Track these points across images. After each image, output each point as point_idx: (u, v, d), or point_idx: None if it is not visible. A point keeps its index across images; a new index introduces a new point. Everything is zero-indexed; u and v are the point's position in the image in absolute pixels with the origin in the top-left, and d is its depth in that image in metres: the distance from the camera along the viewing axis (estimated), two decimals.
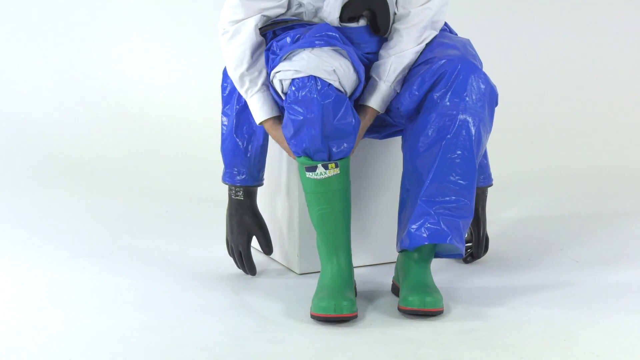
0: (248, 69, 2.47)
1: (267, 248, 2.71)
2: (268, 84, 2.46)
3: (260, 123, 2.48)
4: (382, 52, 2.50)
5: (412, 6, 2.47)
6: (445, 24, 2.64)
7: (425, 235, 2.36)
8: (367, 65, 2.52)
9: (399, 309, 2.36)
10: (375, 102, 2.47)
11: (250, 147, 2.62)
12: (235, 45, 2.47)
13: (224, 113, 2.65)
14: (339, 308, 2.29)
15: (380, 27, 2.50)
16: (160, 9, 4.34)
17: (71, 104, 4.17)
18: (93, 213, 3.38)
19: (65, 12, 4.28)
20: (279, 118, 2.47)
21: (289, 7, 2.51)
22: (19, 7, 4.25)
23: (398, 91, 2.47)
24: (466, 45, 2.48)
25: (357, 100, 2.49)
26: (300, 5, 2.50)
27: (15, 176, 3.81)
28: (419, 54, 2.49)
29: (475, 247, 2.77)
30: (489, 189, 2.79)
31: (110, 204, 3.51)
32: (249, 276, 2.68)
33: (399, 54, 2.46)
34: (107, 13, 4.31)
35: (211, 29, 4.08)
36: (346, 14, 2.48)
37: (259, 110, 2.47)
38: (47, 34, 4.26)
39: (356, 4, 2.47)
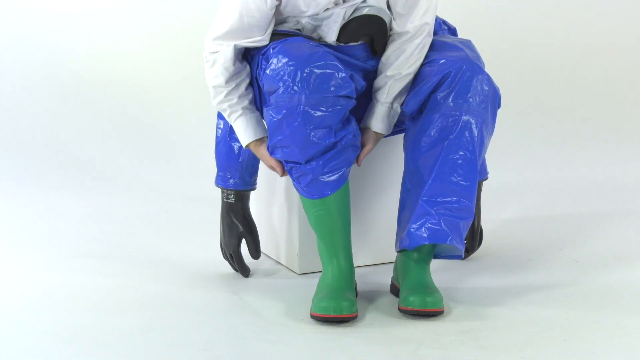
0: (226, 95, 2.45)
1: (255, 252, 2.70)
2: (250, 108, 2.46)
3: (247, 146, 2.48)
4: (381, 68, 2.48)
5: (410, 24, 2.44)
6: (444, 20, 2.63)
7: (425, 235, 2.36)
8: (370, 71, 2.51)
9: (400, 309, 2.36)
10: (377, 125, 2.48)
11: (243, 151, 2.62)
12: (212, 76, 2.45)
13: (219, 117, 2.64)
14: (338, 308, 2.29)
15: (378, 50, 2.48)
16: (160, 9, 4.34)
17: (71, 104, 4.17)
18: (93, 213, 3.38)
19: (66, 12, 4.28)
20: (261, 140, 2.47)
21: (285, 22, 2.48)
22: (18, 5, 4.25)
23: (400, 105, 2.47)
24: (469, 46, 2.47)
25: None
26: (297, 23, 2.47)
27: (15, 176, 3.80)
28: (420, 65, 2.47)
29: (470, 241, 2.78)
30: (485, 183, 2.79)
31: (110, 204, 3.51)
32: (249, 276, 2.68)
33: (399, 73, 2.45)
34: (106, 14, 4.30)
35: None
36: (343, 39, 2.45)
37: (243, 134, 2.47)
38: (48, 34, 4.26)
39: (354, 29, 2.43)
